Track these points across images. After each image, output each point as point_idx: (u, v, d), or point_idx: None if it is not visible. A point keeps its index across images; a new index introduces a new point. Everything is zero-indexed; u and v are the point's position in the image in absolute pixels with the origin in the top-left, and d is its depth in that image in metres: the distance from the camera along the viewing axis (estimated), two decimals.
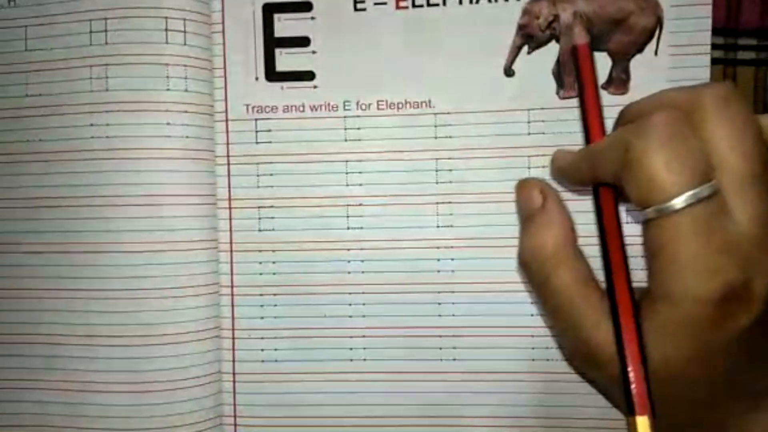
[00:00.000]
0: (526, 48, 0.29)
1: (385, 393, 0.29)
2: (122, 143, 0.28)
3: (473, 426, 0.29)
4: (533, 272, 0.23)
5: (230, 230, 0.30)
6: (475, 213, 0.29)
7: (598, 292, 0.23)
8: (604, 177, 0.22)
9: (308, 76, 0.30)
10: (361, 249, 0.30)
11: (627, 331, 0.21)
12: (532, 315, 0.29)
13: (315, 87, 0.30)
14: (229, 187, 0.30)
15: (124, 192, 0.28)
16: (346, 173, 0.30)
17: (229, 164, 0.30)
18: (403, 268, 0.29)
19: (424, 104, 0.29)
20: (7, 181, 0.30)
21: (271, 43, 0.30)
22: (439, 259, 0.29)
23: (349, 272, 0.30)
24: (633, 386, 0.21)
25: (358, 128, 0.30)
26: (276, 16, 0.30)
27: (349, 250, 0.30)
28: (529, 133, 0.29)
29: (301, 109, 0.30)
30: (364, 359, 0.30)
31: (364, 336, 0.30)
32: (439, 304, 0.29)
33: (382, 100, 0.30)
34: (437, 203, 0.29)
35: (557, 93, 0.29)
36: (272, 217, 0.30)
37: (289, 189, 0.30)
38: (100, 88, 0.29)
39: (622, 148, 0.21)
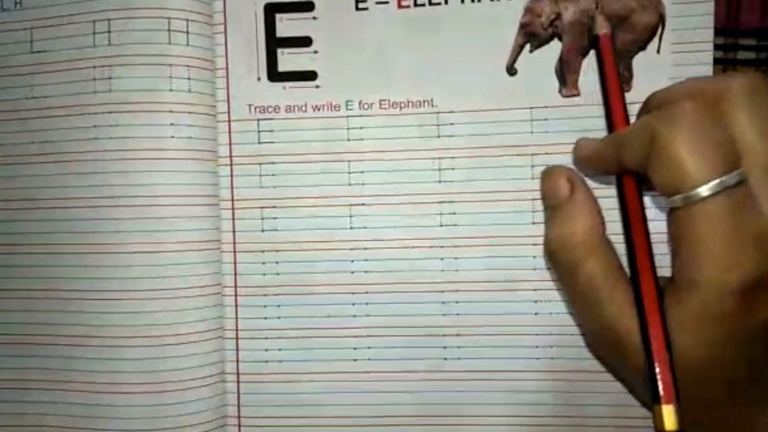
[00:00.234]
0: (528, 46, 0.29)
1: (388, 393, 0.29)
2: (126, 144, 0.28)
3: (478, 425, 0.29)
4: (562, 261, 0.23)
5: (233, 231, 0.30)
6: (478, 212, 0.29)
7: (625, 281, 0.23)
8: (630, 164, 0.22)
9: (310, 75, 0.30)
10: (365, 249, 0.30)
11: (652, 320, 0.21)
12: (536, 314, 0.29)
13: (317, 87, 0.30)
14: (232, 187, 0.30)
15: (126, 193, 0.29)
16: (349, 173, 0.30)
17: (232, 165, 0.30)
18: (406, 267, 0.29)
19: (426, 103, 0.29)
20: (14, 182, 0.30)
21: (273, 43, 0.30)
22: (442, 258, 0.29)
23: (352, 272, 0.30)
24: (659, 375, 0.20)
25: (361, 128, 0.30)
26: (278, 16, 0.30)
27: (352, 249, 0.30)
28: (531, 132, 0.29)
29: (304, 109, 0.30)
30: (368, 359, 0.30)
31: (367, 336, 0.30)
32: (443, 303, 0.29)
33: (385, 100, 0.30)
34: (440, 202, 0.29)
35: (559, 91, 0.29)
36: (275, 218, 0.30)
37: (292, 189, 0.30)
38: (103, 89, 0.29)
39: (648, 136, 0.20)
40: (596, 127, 0.28)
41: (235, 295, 0.30)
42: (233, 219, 0.30)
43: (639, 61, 0.28)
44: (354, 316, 0.30)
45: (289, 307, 0.30)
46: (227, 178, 0.30)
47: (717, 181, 0.19)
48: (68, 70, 0.29)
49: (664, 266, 0.22)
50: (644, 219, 0.23)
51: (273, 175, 0.30)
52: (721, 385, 0.21)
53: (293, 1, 0.30)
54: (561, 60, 0.29)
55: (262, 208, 0.30)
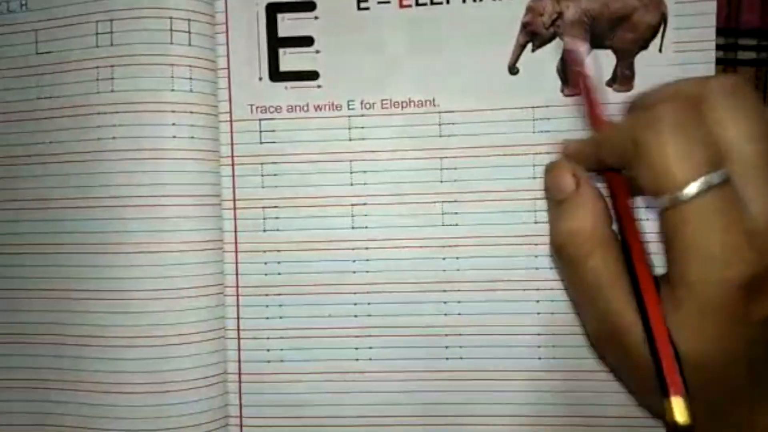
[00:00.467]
0: (530, 46, 0.29)
1: (390, 392, 0.29)
2: (128, 144, 0.29)
3: (479, 425, 0.29)
4: (569, 255, 0.23)
5: (235, 231, 0.30)
6: (480, 212, 0.29)
7: (627, 277, 0.22)
8: (612, 164, 0.22)
9: (312, 75, 0.30)
10: (366, 248, 0.30)
11: (653, 314, 0.21)
12: (538, 314, 0.29)
13: (319, 87, 0.30)
14: (234, 187, 0.30)
15: (128, 193, 0.29)
16: (351, 173, 0.30)
17: (233, 165, 0.30)
18: (408, 267, 0.29)
19: (428, 103, 0.29)
20: (19, 183, 0.30)
21: (275, 43, 0.30)
22: (444, 258, 0.29)
23: (354, 272, 0.30)
24: (665, 368, 0.20)
25: (362, 128, 0.30)
26: (279, 16, 0.30)
27: (354, 249, 0.30)
28: (533, 131, 0.29)
29: (305, 108, 0.30)
30: (370, 359, 0.30)
31: (369, 335, 0.30)
32: (445, 303, 0.29)
33: (386, 100, 0.29)
34: (442, 202, 0.29)
35: (562, 90, 0.29)
36: (277, 218, 0.30)
37: (294, 189, 0.30)
38: (106, 89, 0.29)
39: (629, 140, 0.21)
40: None
41: (237, 295, 0.30)
42: (235, 219, 0.30)
43: (641, 61, 0.28)
44: (355, 315, 0.30)
45: (291, 306, 0.30)
46: (229, 178, 0.30)
47: (702, 180, 0.19)
48: (72, 70, 0.29)
49: (658, 266, 0.22)
50: (633, 213, 0.23)
51: (275, 175, 0.30)
52: (720, 387, 0.21)
53: (295, 0, 0.30)
54: (563, 59, 0.29)
55: (263, 208, 0.30)
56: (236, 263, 0.30)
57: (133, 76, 0.28)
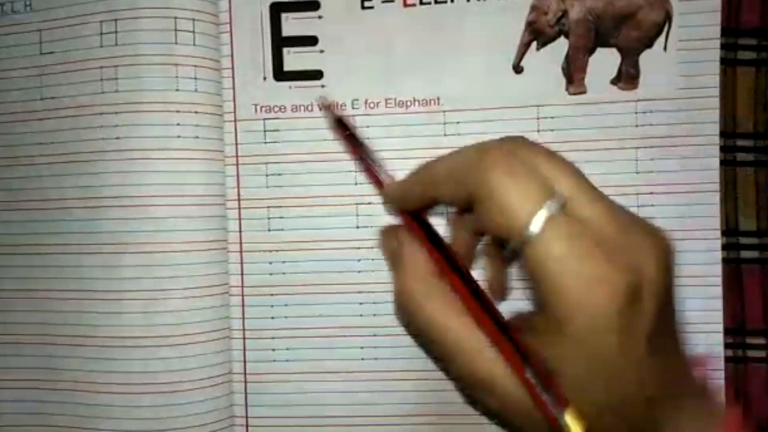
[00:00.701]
0: (534, 44, 0.29)
1: (396, 392, 0.29)
2: (132, 144, 0.28)
3: (488, 423, 0.29)
4: (406, 313, 0.23)
5: (240, 230, 0.30)
6: None
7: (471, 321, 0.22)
8: (444, 202, 0.21)
9: (316, 75, 0.30)
10: (371, 248, 0.30)
11: (498, 339, 0.20)
12: None
13: (323, 86, 0.30)
14: (238, 187, 0.30)
15: (133, 192, 0.28)
16: (355, 172, 0.30)
17: (238, 164, 0.30)
18: None
19: (432, 102, 0.29)
20: (23, 182, 0.30)
21: (279, 42, 0.30)
22: None
23: (359, 271, 0.30)
24: (536, 390, 0.20)
25: (367, 126, 0.30)
26: (283, 15, 0.30)
27: (359, 249, 0.30)
28: (538, 130, 0.29)
29: (310, 108, 0.30)
30: (375, 358, 0.30)
31: (374, 335, 0.30)
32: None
33: (391, 99, 0.29)
34: None
35: (566, 89, 0.29)
36: (281, 217, 0.30)
37: (298, 188, 0.30)
38: (110, 89, 0.29)
39: (463, 182, 0.20)
40: (602, 125, 0.28)
41: (242, 295, 0.30)
42: (240, 219, 0.30)
43: (645, 59, 0.28)
44: (361, 315, 0.30)
45: (296, 306, 0.30)
46: (233, 177, 0.30)
47: (542, 212, 0.19)
48: (77, 70, 0.29)
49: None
50: (445, 253, 0.23)
51: (279, 174, 0.30)
52: (615, 415, 0.21)
53: (298, 0, 0.30)
54: (567, 58, 0.29)
55: (268, 207, 0.30)
56: (241, 263, 0.30)
57: (137, 76, 0.28)
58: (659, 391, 0.21)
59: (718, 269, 0.28)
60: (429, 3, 0.29)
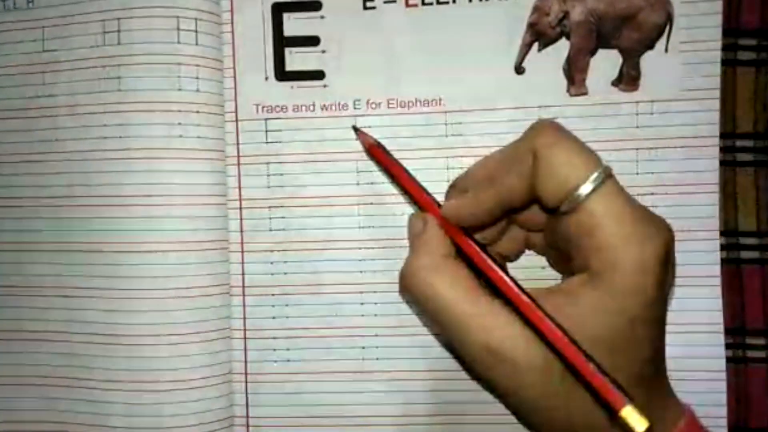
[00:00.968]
0: (536, 45, 0.29)
1: (397, 392, 0.29)
2: (134, 143, 0.28)
3: (490, 423, 0.29)
4: (418, 287, 0.24)
5: (241, 230, 0.30)
6: None
7: (486, 296, 0.23)
8: (516, 191, 0.23)
9: (318, 75, 0.30)
10: (373, 248, 0.30)
11: (563, 344, 0.21)
12: None
13: (325, 86, 0.30)
14: (240, 187, 0.30)
15: (134, 192, 0.28)
16: (357, 172, 0.30)
17: (239, 164, 0.30)
18: None
19: (434, 102, 0.29)
20: (24, 181, 0.30)
21: (281, 42, 0.30)
22: None
23: (361, 271, 0.30)
24: (599, 388, 0.21)
25: (369, 127, 0.30)
26: (285, 15, 0.30)
27: (360, 249, 0.30)
28: None
29: (312, 108, 0.30)
30: (376, 358, 0.30)
31: (376, 335, 0.30)
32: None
33: (393, 99, 0.29)
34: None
35: (567, 90, 0.29)
36: (283, 217, 0.30)
37: (300, 189, 0.30)
38: (112, 88, 0.28)
39: (528, 150, 0.23)
40: (603, 126, 0.28)
41: (243, 295, 0.30)
42: (241, 218, 0.30)
43: (647, 61, 0.28)
44: (362, 315, 0.30)
45: (297, 306, 0.30)
46: (235, 177, 0.30)
47: (596, 173, 0.22)
48: (78, 69, 0.29)
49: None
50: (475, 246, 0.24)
51: (281, 174, 0.30)
52: (625, 372, 0.22)
53: (301, 0, 0.30)
54: (569, 59, 0.29)
55: (269, 207, 0.30)
56: (242, 263, 0.30)
57: (140, 75, 0.28)
58: (656, 354, 0.23)
59: (717, 269, 0.28)
60: (431, 3, 0.29)
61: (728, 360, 0.28)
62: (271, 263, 0.30)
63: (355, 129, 0.29)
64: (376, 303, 0.30)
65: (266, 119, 0.30)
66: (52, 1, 0.29)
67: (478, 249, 0.24)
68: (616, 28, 0.28)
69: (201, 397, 0.29)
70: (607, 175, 0.22)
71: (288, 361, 0.30)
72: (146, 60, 0.28)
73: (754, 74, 0.29)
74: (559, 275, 0.28)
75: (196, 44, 0.29)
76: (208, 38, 0.29)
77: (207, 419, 0.29)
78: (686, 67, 0.28)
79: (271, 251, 0.30)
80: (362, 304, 0.30)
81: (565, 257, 0.24)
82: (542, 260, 0.28)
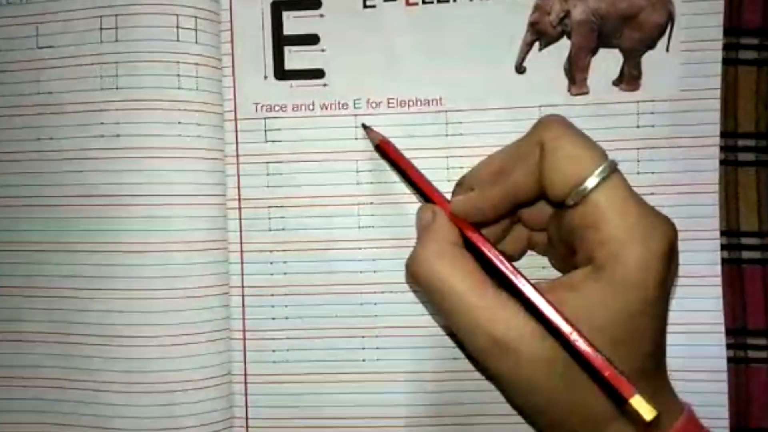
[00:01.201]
0: (537, 45, 0.29)
1: (398, 393, 0.29)
2: (132, 142, 0.28)
3: (489, 424, 0.29)
4: (424, 275, 0.24)
5: (240, 230, 0.30)
6: None
7: (493, 287, 0.23)
8: (524, 183, 0.24)
9: (318, 74, 0.30)
10: (373, 248, 0.29)
11: (560, 320, 0.22)
12: None
13: (325, 85, 0.30)
14: (239, 187, 0.30)
15: (132, 191, 0.28)
16: (357, 172, 0.30)
17: (238, 164, 0.30)
18: None
19: (434, 102, 0.29)
20: (20, 179, 0.30)
21: (280, 40, 0.30)
22: None
23: (360, 272, 0.29)
24: (609, 379, 0.21)
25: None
26: (285, 13, 0.30)
27: (360, 249, 0.29)
28: None
29: (311, 107, 0.30)
30: (376, 359, 0.29)
31: (376, 336, 0.29)
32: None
33: (393, 98, 0.29)
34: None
35: (568, 90, 0.29)
36: (282, 217, 0.30)
37: (300, 188, 0.30)
38: (110, 86, 0.28)
39: (536, 145, 0.23)
40: (604, 126, 0.28)
41: (242, 296, 0.30)
42: (240, 219, 0.30)
43: (648, 60, 0.28)
44: (362, 316, 0.29)
45: (297, 307, 0.30)
46: (234, 177, 0.30)
47: (602, 167, 0.22)
48: (74, 66, 0.29)
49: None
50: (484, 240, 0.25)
51: (280, 174, 0.30)
52: (629, 365, 0.22)
53: None
54: (570, 58, 0.29)
55: (269, 207, 0.30)
56: (241, 263, 0.30)
57: (138, 74, 0.28)
58: (657, 350, 0.23)
59: (718, 269, 0.28)
60: (431, 2, 0.29)
61: (729, 360, 0.28)
62: (271, 263, 0.30)
63: (365, 127, 0.29)
64: (375, 303, 0.29)
65: (265, 118, 0.30)
66: None
67: (486, 240, 0.24)
68: (618, 28, 0.28)
69: (200, 398, 0.29)
70: (613, 169, 0.22)
71: (287, 361, 0.30)
72: (145, 58, 0.28)
73: (756, 73, 0.29)
74: (559, 274, 0.28)
75: (196, 42, 0.28)
76: (207, 36, 0.29)
77: (206, 420, 0.29)
78: (687, 67, 0.28)
79: (271, 251, 0.30)
80: (362, 304, 0.29)
81: (568, 252, 0.24)
82: (543, 260, 0.28)
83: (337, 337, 0.30)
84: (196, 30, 0.28)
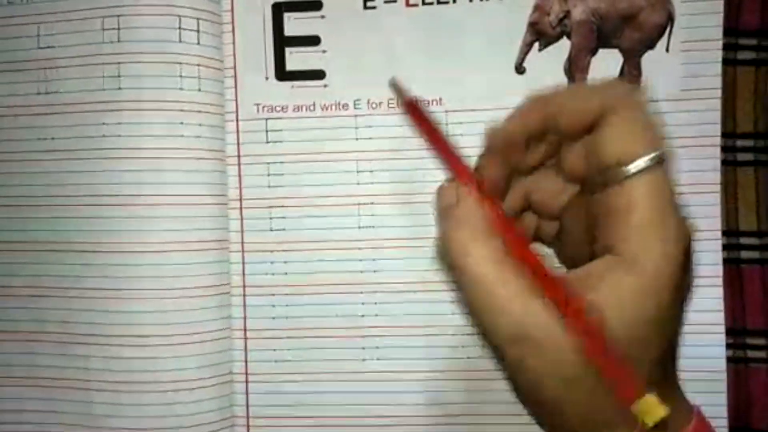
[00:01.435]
0: (536, 45, 0.29)
1: (398, 392, 0.29)
2: (135, 143, 0.28)
3: (491, 424, 0.29)
4: (458, 260, 0.23)
5: (241, 230, 0.30)
6: None
7: (514, 270, 0.23)
8: (566, 127, 0.22)
9: (318, 75, 0.30)
10: (373, 248, 0.30)
11: (576, 320, 0.21)
12: None
13: (325, 86, 0.30)
14: (240, 187, 0.30)
15: (134, 191, 0.28)
16: (357, 172, 0.30)
17: (240, 164, 0.30)
18: (415, 266, 0.29)
19: (434, 102, 0.29)
20: (23, 179, 0.30)
21: (281, 42, 0.30)
22: None
23: (361, 271, 0.30)
24: (619, 380, 0.20)
25: (369, 126, 0.30)
26: (286, 15, 0.30)
27: (360, 249, 0.30)
28: None
29: (312, 108, 0.30)
30: (377, 359, 0.30)
31: (376, 335, 0.29)
32: (452, 302, 0.29)
33: (393, 99, 0.29)
34: None
35: None
36: (283, 217, 0.30)
37: (300, 188, 0.30)
38: (112, 86, 0.28)
39: (598, 102, 0.21)
40: None
41: (243, 295, 0.30)
42: (241, 218, 0.30)
43: (648, 61, 0.28)
44: (362, 315, 0.30)
45: (298, 306, 0.30)
46: (235, 177, 0.30)
47: (654, 154, 0.21)
48: (76, 66, 0.29)
49: None
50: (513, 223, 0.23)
51: (281, 174, 0.30)
52: (641, 369, 0.21)
53: (301, 0, 0.30)
54: (570, 58, 0.29)
55: (270, 207, 0.30)
56: (242, 263, 0.30)
57: (140, 75, 0.28)
58: (665, 357, 0.22)
59: (719, 269, 0.28)
60: (431, 3, 0.29)
61: (728, 360, 0.28)
62: (272, 263, 0.30)
63: (393, 84, 0.28)
64: (376, 303, 0.29)
65: (267, 119, 0.30)
66: None
67: (511, 224, 0.23)
68: (617, 28, 0.28)
69: (202, 397, 0.29)
70: (662, 160, 0.21)
71: (288, 360, 0.30)
72: (148, 59, 0.28)
73: (754, 74, 0.29)
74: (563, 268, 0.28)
75: (198, 44, 0.28)
76: (209, 38, 0.29)
77: (208, 419, 0.29)
78: (687, 67, 0.28)
79: (272, 251, 0.30)
80: (362, 303, 0.30)
81: (585, 242, 0.24)
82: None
83: (338, 336, 0.30)
84: (198, 31, 0.28)
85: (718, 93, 0.28)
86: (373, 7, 0.29)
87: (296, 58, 0.30)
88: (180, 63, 0.28)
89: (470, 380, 0.29)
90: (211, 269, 0.29)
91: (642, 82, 0.28)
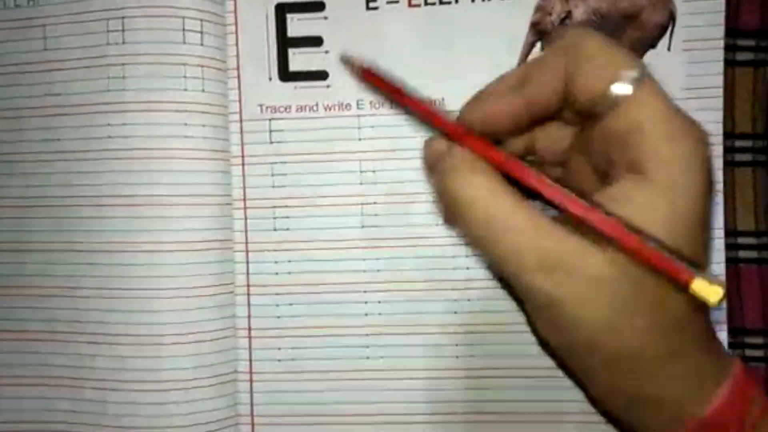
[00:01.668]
0: (539, 45, 0.29)
1: (402, 391, 0.29)
2: (139, 143, 0.28)
3: (493, 422, 0.29)
4: (456, 200, 0.23)
5: (245, 230, 0.30)
6: None
7: (514, 197, 0.22)
8: (545, 93, 0.22)
9: (321, 75, 0.30)
10: (376, 248, 0.30)
11: (599, 219, 0.20)
12: None
13: (328, 86, 0.30)
14: (244, 187, 0.30)
15: (139, 192, 0.29)
16: (360, 172, 0.30)
17: (243, 165, 0.30)
18: (418, 266, 0.29)
19: (437, 102, 0.29)
20: (28, 180, 0.30)
21: (284, 42, 0.30)
22: (455, 257, 0.29)
23: (364, 271, 0.30)
24: (664, 268, 0.19)
25: (372, 127, 0.30)
26: (289, 16, 0.30)
27: (364, 249, 0.30)
28: None
29: (315, 108, 0.30)
30: (381, 357, 0.30)
31: (380, 334, 0.30)
32: (455, 301, 0.29)
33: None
34: None
35: None
36: (287, 217, 0.30)
37: (304, 188, 0.30)
38: (117, 87, 0.29)
39: (572, 44, 0.22)
40: None
41: (248, 294, 0.30)
42: (245, 218, 0.30)
43: (649, 60, 0.28)
44: (366, 314, 0.30)
45: (302, 306, 0.30)
46: (239, 177, 0.30)
47: (637, 68, 0.21)
48: (82, 68, 0.29)
49: None
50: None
51: (284, 174, 0.30)
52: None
53: (304, 0, 0.30)
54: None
55: (273, 207, 0.30)
56: (246, 263, 0.30)
57: (145, 76, 0.28)
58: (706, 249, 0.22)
59: (721, 269, 0.28)
60: (434, 3, 0.29)
61: None
62: (276, 263, 0.30)
63: (342, 57, 0.27)
64: (380, 302, 0.30)
65: (270, 119, 0.30)
66: None
67: (511, 156, 0.22)
68: (619, 28, 0.28)
69: (206, 396, 0.29)
70: (646, 72, 0.21)
71: (293, 360, 0.30)
72: (152, 60, 0.28)
73: (753, 74, 0.29)
74: None
75: (202, 45, 0.29)
76: (212, 39, 0.29)
77: (212, 418, 0.29)
78: (689, 67, 0.28)
79: (275, 251, 0.30)
80: (366, 303, 0.30)
81: (593, 180, 0.23)
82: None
83: (342, 335, 0.30)
84: (201, 32, 0.29)
85: (720, 92, 0.28)
86: (376, 8, 0.29)
87: (299, 59, 0.30)
88: (184, 64, 0.28)
89: (475, 379, 0.29)
90: (215, 269, 0.29)
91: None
